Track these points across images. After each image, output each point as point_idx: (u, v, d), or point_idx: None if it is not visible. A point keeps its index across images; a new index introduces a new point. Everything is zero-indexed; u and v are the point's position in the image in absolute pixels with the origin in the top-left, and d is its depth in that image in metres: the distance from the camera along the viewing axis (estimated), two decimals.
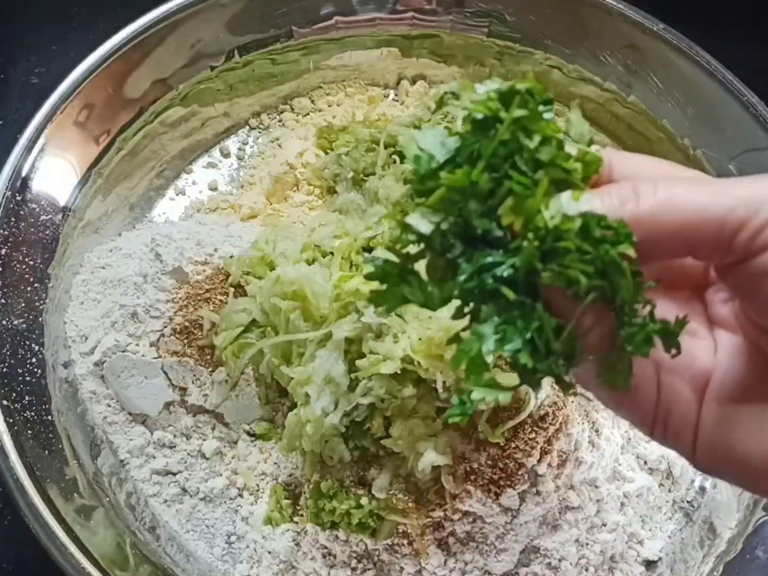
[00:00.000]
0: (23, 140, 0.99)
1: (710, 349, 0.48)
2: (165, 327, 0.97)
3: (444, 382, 0.78)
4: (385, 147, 0.99)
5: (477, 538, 0.85)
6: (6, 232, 0.95)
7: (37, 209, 0.99)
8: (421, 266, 0.47)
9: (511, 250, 0.43)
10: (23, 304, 0.94)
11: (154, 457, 0.94)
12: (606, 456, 0.92)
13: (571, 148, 0.44)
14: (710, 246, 0.42)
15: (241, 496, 0.94)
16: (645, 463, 0.97)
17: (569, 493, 0.88)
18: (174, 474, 0.94)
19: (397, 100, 1.25)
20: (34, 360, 0.92)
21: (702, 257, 0.45)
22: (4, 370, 0.89)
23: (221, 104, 1.18)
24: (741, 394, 0.46)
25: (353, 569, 0.87)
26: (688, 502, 0.98)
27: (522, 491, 0.85)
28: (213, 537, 0.93)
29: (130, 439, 0.94)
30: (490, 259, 0.43)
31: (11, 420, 0.86)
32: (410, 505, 0.85)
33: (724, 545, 0.92)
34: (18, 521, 0.82)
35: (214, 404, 0.95)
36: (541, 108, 0.43)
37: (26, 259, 0.96)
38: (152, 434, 0.95)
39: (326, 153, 1.16)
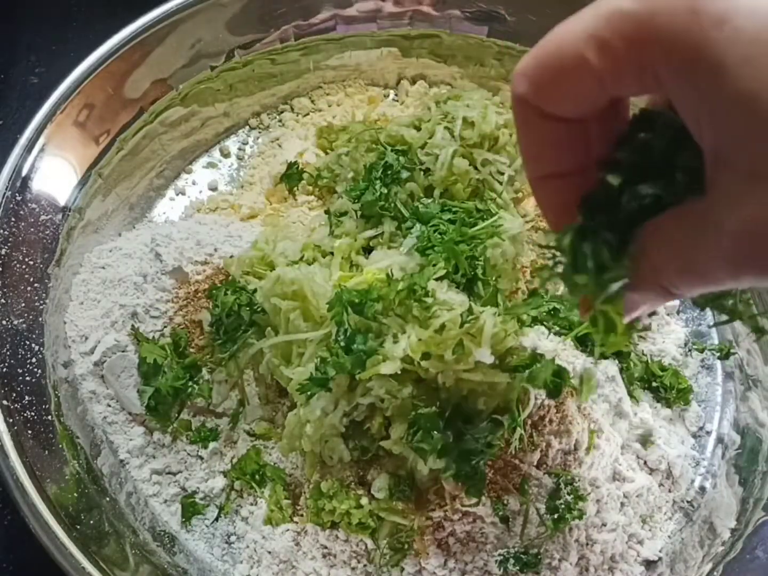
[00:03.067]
0: (23, 140, 1.00)
1: None
2: (165, 327, 0.97)
3: (444, 383, 0.78)
4: (385, 147, 0.99)
5: (477, 539, 0.85)
6: (6, 232, 0.95)
7: (37, 209, 0.99)
8: None
9: None
10: (23, 304, 0.94)
11: (153, 457, 0.94)
12: (606, 456, 0.92)
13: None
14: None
15: (241, 496, 0.94)
16: (645, 463, 0.97)
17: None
18: (174, 474, 0.94)
19: (397, 100, 1.25)
20: (34, 360, 0.92)
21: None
22: (4, 370, 0.89)
23: (221, 104, 1.18)
24: None
25: (353, 569, 0.87)
26: (688, 502, 0.98)
27: (522, 491, 0.85)
28: (213, 537, 0.93)
29: (130, 439, 0.94)
30: None
31: (11, 420, 0.86)
32: (410, 505, 0.85)
33: (724, 545, 0.92)
34: (18, 521, 0.83)
35: (214, 404, 0.95)
36: None
37: (26, 259, 0.96)
38: (152, 434, 0.95)
39: (326, 153, 1.16)
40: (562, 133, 0.45)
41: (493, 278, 0.90)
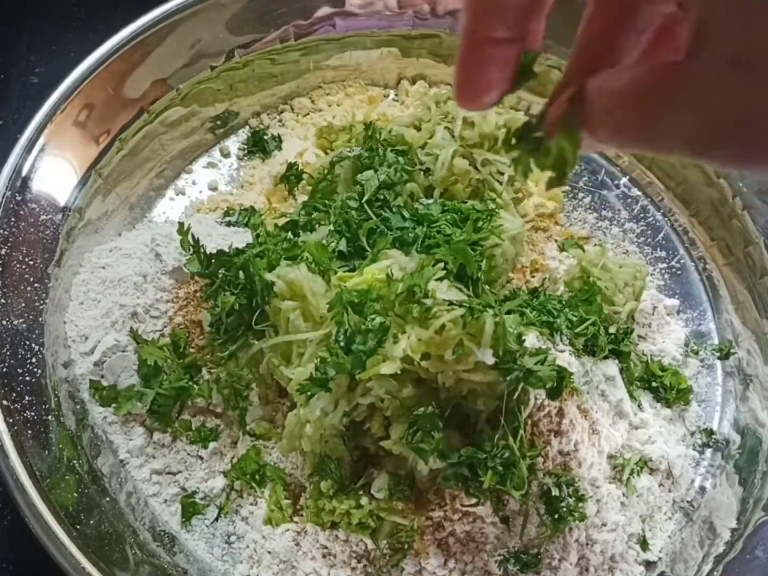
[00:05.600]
0: (23, 140, 1.00)
1: None
2: (165, 327, 0.97)
3: (444, 383, 0.78)
4: (385, 147, 0.99)
5: (477, 539, 0.85)
6: (6, 232, 0.95)
7: (37, 209, 0.99)
8: None
9: None
10: (23, 304, 0.94)
11: (153, 457, 0.94)
12: (606, 456, 0.92)
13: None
14: None
15: (241, 496, 0.94)
16: (645, 463, 0.97)
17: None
18: (174, 474, 0.94)
19: (397, 100, 1.25)
20: (34, 360, 0.92)
21: None
22: (4, 370, 0.89)
23: (221, 104, 1.18)
24: None
25: (353, 569, 0.87)
26: (688, 502, 0.98)
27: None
28: (213, 537, 0.93)
29: (130, 439, 0.94)
30: None
31: (11, 420, 0.86)
32: (410, 505, 0.85)
33: (724, 545, 0.92)
34: (18, 521, 0.82)
35: (214, 404, 0.95)
36: None
37: (26, 259, 0.96)
38: (152, 434, 0.95)
39: (326, 153, 1.16)
40: None
41: (494, 278, 0.90)
